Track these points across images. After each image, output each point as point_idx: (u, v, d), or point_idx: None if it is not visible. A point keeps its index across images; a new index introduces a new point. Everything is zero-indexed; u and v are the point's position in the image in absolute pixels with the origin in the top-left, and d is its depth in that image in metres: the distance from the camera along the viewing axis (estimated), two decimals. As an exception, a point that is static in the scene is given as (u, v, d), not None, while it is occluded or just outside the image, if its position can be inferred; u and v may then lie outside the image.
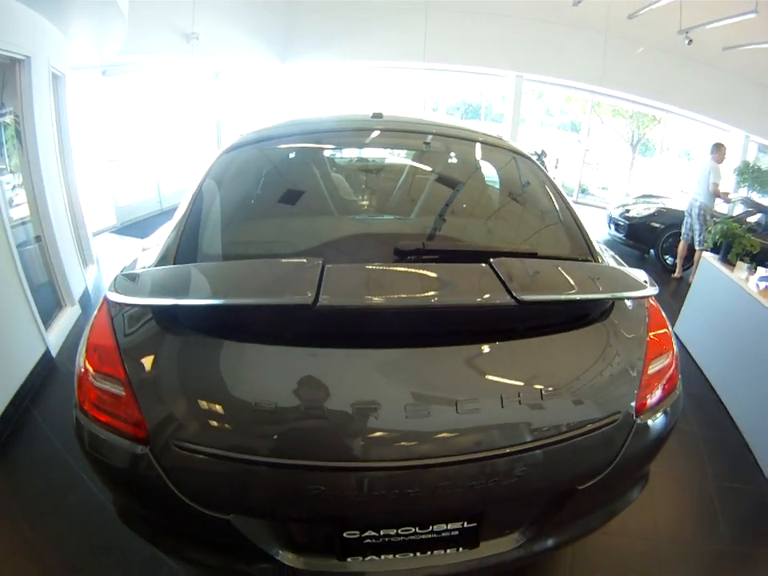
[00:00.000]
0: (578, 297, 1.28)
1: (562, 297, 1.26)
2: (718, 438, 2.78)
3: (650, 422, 1.37)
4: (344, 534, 1.28)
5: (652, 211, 6.17)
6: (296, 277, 1.23)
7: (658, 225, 5.99)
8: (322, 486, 1.14)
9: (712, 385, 3.27)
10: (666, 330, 1.51)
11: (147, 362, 1.23)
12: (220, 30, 7.38)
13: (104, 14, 3.46)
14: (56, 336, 3.31)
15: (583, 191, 11.20)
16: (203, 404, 1.18)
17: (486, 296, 1.21)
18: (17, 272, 2.81)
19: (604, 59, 8.45)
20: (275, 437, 1.15)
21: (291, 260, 1.37)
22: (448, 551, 1.36)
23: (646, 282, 1.41)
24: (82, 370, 1.29)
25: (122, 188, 6.71)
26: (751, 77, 8.00)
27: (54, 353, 3.16)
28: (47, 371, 3.01)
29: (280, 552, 1.30)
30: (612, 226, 6.56)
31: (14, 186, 3.53)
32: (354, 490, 1.15)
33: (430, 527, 1.30)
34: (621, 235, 6.32)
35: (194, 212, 1.65)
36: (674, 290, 5.34)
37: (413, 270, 1.34)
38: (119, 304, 1.25)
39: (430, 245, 1.51)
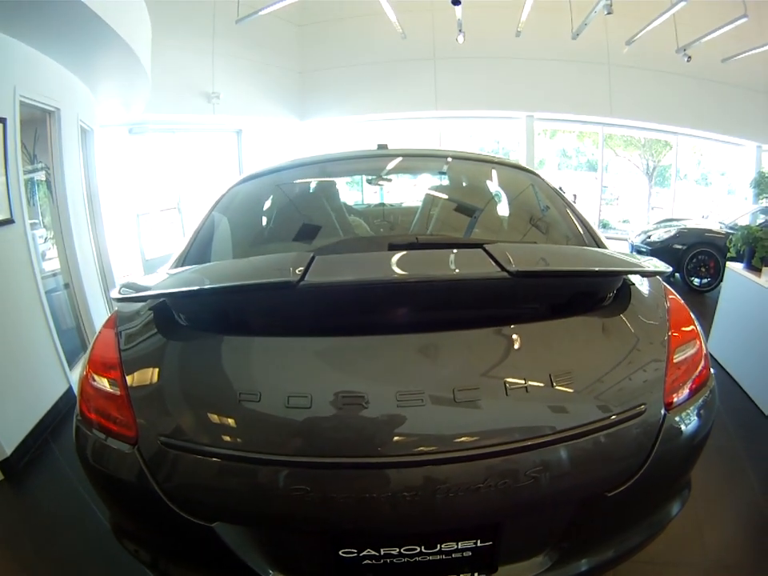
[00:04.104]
0: (576, 269, 1.23)
1: (558, 269, 1.21)
2: (764, 451, 2.58)
3: (682, 417, 1.24)
4: (340, 553, 1.15)
5: (673, 233, 6.07)
6: (285, 265, 1.22)
7: (680, 246, 5.86)
8: (307, 487, 1.05)
9: (751, 398, 3.08)
10: (689, 319, 1.41)
11: (141, 364, 1.25)
12: (240, 89, 7.86)
13: (129, 72, 3.75)
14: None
15: (604, 226, 11.16)
16: (189, 400, 1.18)
17: (476, 270, 1.19)
18: (45, 317, 2.98)
19: (610, 89, 8.62)
20: (255, 431, 1.11)
21: (283, 254, 1.39)
22: None
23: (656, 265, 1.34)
24: (84, 373, 1.31)
25: (149, 241, 7.02)
26: (754, 86, 8.07)
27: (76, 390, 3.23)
28: (68, 407, 3.05)
29: (271, 572, 1.19)
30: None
31: (46, 239, 3.75)
32: (344, 490, 1.06)
33: (438, 546, 1.15)
34: (645, 262, 6.20)
35: (198, 239, 1.76)
36: (702, 312, 5.14)
37: (404, 256, 1.34)
38: (119, 300, 1.29)
39: (424, 239, 1.52)
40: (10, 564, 1.90)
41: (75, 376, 3.25)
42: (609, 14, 5.28)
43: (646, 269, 1.33)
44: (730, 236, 3.49)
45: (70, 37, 2.79)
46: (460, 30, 7.02)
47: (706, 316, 4.57)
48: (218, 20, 7.09)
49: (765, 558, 1.93)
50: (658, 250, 6.01)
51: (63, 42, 2.85)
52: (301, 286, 1.09)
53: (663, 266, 1.30)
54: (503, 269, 1.14)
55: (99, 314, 4.00)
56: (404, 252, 1.39)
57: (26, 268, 2.82)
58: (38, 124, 3.28)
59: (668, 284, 1.50)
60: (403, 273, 1.20)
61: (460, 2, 5.44)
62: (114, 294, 1.26)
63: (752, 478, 2.37)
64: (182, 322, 1.30)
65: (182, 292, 1.25)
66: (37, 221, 3.67)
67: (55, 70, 3.32)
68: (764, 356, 2.99)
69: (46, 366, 2.97)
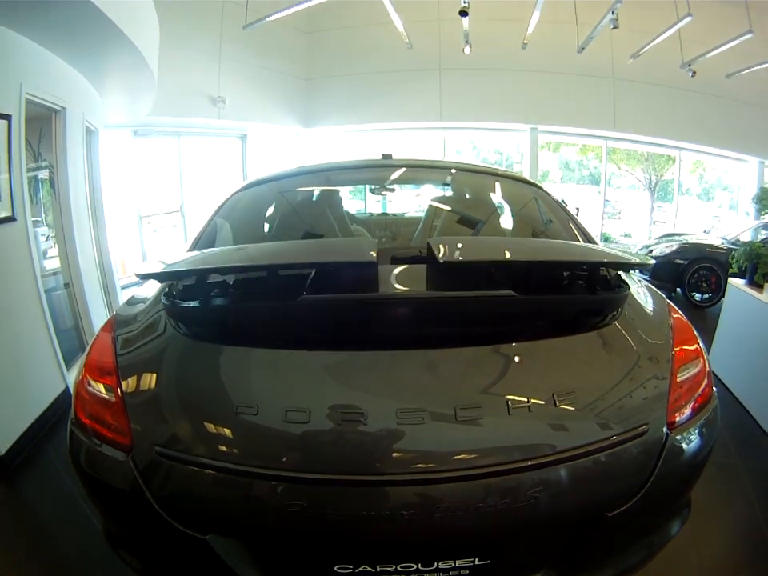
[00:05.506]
0: (537, 259, 1.26)
1: (484, 258, 1.24)
2: (764, 468, 2.55)
3: (685, 436, 1.22)
4: (335, 568, 1.14)
5: (675, 248, 6.08)
6: (350, 248, 1.26)
7: (682, 261, 5.88)
8: (304, 502, 1.03)
9: (752, 415, 3.06)
10: (693, 337, 1.39)
11: (138, 371, 1.24)
12: (245, 94, 7.88)
13: (135, 74, 3.77)
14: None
15: (606, 240, 11.18)
16: (186, 410, 1.16)
17: (479, 286, 1.18)
18: (44, 316, 2.98)
19: (614, 103, 8.65)
20: (252, 444, 1.10)
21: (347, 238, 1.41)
22: None
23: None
24: (80, 378, 1.30)
25: (151, 244, 7.03)
26: (758, 102, 8.12)
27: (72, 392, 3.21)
28: (65, 408, 3.03)
29: None
30: (636, 269, 6.48)
31: (48, 238, 3.75)
32: (341, 507, 1.04)
33: (435, 564, 1.13)
34: (646, 277, 6.20)
35: (199, 244, 1.79)
36: (703, 327, 5.13)
37: (407, 270, 1.38)
38: (142, 276, 1.28)
39: (426, 253, 1.52)
40: (1, 565, 1.87)
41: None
42: (615, 28, 5.31)
43: (631, 261, 1.34)
44: (732, 251, 3.49)
45: (78, 36, 2.80)
46: (466, 41, 7.04)
47: (707, 332, 4.56)
48: (226, 25, 7.15)
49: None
50: (660, 264, 6.02)
51: (71, 40, 2.86)
52: (299, 301, 1.09)
53: (647, 259, 1.33)
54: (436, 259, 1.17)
55: (99, 315, 3.99)
56: (407, 266, 1.39)
57: (26, 266, 2.81)
58: (43, 122, 3.28)
59: (668, 299, 1.50)
60: (406, 288, 1.21)
61: (467, 13, 5.46)
62: (137, 270, 1.26)
63: (751, 495, 2.34)
64: (181, 330, 1.28)
65: (217, 269, 1.25)
66: (39, 219, 3.67)
67: (62, 68, 3.33)
68: (765, 372, 2.97)
69: (44, 366, 2.95)
